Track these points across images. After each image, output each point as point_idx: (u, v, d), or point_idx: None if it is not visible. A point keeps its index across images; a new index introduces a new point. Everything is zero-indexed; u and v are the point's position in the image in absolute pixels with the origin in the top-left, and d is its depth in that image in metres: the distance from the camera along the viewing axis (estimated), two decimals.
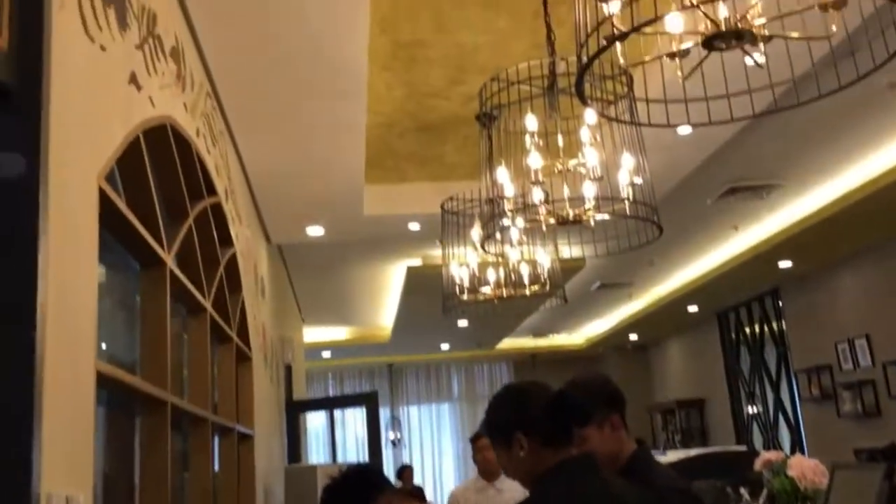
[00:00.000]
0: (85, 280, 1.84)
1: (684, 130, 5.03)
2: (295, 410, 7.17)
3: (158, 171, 2.80)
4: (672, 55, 2.13)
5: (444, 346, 13.49)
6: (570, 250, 4.28)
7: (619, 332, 13.14)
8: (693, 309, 11.28)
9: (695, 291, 10.03)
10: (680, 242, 8.44)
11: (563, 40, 3.64)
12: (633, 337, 13.71)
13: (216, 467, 3.96)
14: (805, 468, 3.81)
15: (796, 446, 9.94)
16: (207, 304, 3.47)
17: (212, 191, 3.66)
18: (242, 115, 4.15)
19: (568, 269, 8.16)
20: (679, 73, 2.22)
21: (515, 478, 2.03)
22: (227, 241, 4.05)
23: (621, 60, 2.19)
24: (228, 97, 3.94)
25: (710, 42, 2.01)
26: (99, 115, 1.99)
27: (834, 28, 1.98)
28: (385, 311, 10.57)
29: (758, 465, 4.07)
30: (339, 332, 11.92)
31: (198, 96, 3.43)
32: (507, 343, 13.64)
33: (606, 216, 3.50)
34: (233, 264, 4.21)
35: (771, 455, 4.03)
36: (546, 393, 2.00)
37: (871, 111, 5.36)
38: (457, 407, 15.05)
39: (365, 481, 2.72)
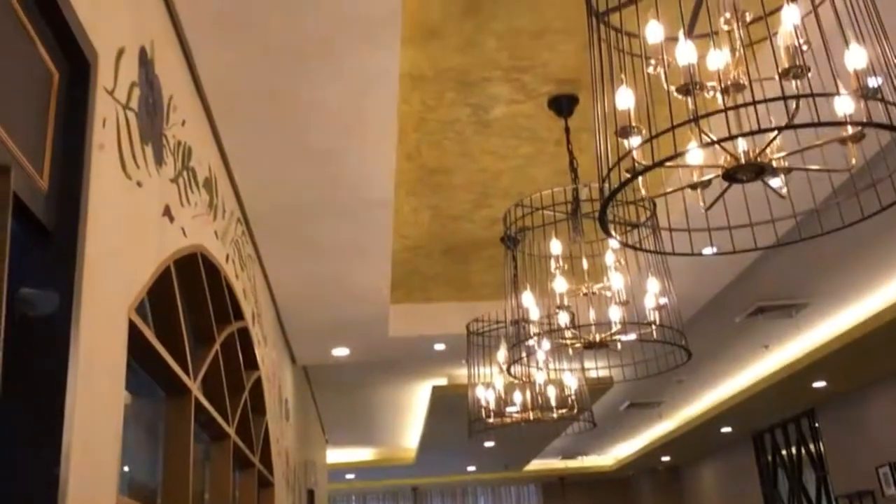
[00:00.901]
0: (111, 414, 1.84)
1: (709, 251, 5.04)
2: None
3: (188, 299, 2.83)
4: (693, 186, 2.16)
5: (471, 468, 13.18)
6: (597, 372, 4.22)
7: (650, 454, 12.78)
8: (726, 430, 10.99)
9: (727, 412, 9.80)
10: (709, 362, 8.32)
11: (585, 166, 3.72)
12: (665, 458, 13.31)
13: None
14: None
15: None
16: (231, 431, 3.44)
17: (239, 315, 3.69)
18: (271, 239, 4.23)
19: (596, 388, 8.04)
20: (701, 203, 2.24)
21: None
22: (252, 364, 4.05)
23: (643, 192, 2.23)
24: (257, 222, 4.03)
25: (731, 175, 2.04)
26: (132, 249, 2.04)
27: (853, 160, 2.00)
28: (410, 431, 10.41)
29: None
30: (362, 454, 11.72)
31: (228, 223, 3.52)
32: (536, 464, 13.30)
33: (632, 339, 3.47)
34: (257, 388, 4.20)
35: None
36: None
37: (895, 230, 5.36)
38: None
39: None
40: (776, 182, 2.24)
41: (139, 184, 2.09)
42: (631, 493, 15.16)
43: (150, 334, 2.18)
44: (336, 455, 11.12)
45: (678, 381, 9.06)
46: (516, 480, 14.65)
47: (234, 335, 3.61)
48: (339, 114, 3.21)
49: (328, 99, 3.11)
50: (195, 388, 2.70)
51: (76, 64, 1.72)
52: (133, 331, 2.03)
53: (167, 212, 2.37)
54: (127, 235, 2.00)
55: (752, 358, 8.31)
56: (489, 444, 10.61)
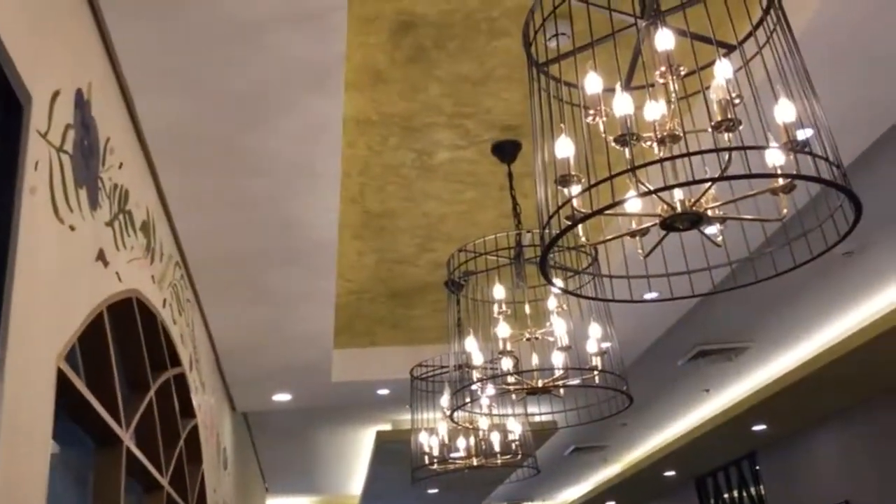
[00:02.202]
0: (36, 466, 1.76)
1: (650, 296, 5.11)
2: None
3: (121, 345, 2.76)
4: (632, 234, 2.19)
5: None
6: (541, 417, 4.21)
7: (596, 498, 12.76)
8: (670, 473, 11.04)
9: (671, 455, 9.86)
10: (653, 405, 8.38)
11: (528, 212, 3.76)
12: (611, 503, 13.30)
13: None
14: None
15: None
16: (164, 481, 3.34)
17: (176, 361, 3.61)
18: (211, 283, 4.16)
19: (541, 433, 8.03)
20: (639, 251, 2.28)
21: None
22: (189, 411, 3.95)
23: (583, 239, 2.25)
24: (197, 266, 3.96)
25: (668, 223, 2.07)
26: (63, 294, 1.98)
27: (784, 210, 2.06)
28: (353, 478, 10.24)
29: None
30: (304, 502, 11.46)
31: (166, 267, 3.45)
32: None
33: (575, 385, 3.48)
34: (194, 436, 4.09)
35: None
36: None
37: (831, 278, 5.51)
38: None
39: None
40: (712, 230, 2.28)
41: (72, 227, 2.04)
42: None
43: (79, 383, 2.11)
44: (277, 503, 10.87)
45: (622, 425, 9.10)
46: None
47: (170, 382, 3.52)
48: (282, 159, 3.19)
49: (271, 144, 3.09)
50: (127, 437, 2.61)
51: (8, 107, 1.68)
52: (62, 379, 1.96)
53: (101, 256, 2.31)
54: (58, 281, 1.94)
55: (694, 401, 8.40)
56: (433, 490, 10.46)
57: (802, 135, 1.88)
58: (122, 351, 2.81)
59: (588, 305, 3.55)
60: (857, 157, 3.61)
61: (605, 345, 3.53)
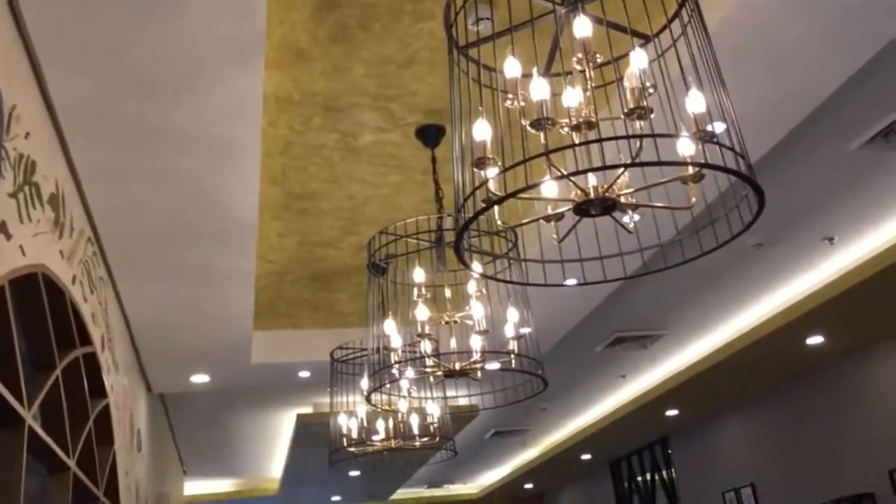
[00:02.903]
0: None
1: (569, 282, 5.20)
2: None
3: (25, 322, 2.67)
4: (547, 218, 2.22)
5: (336, 498, 12.94)
6: (458, 400, 4.25)
7: (515, 481, 12.95)
8: (586, 457, 11.28)
9: (587, 439, 10.07)
10: (571, 390, 8.54)
11: (451, 196, 3.76)
12: (529, 486, 13.52)
13: None
14: None
15: None
16: (71, 463, 3.25)
17: (85, 340, 3.51)
18: (125, 261, 4.05)
19: (461, 417, 8.10)
20: (554, 236, 2.31)
21: None
22: (99, 391, 3.85)
23: (499, 223, 2.27)
24: (111, 243, 3.85)
25: (582, 209, 2.11)
26: None
27: (693, 199, 2.12)
28: (274, 461, 10.14)
29: None
30: (224, 485, 11.31)
31: (77, 243, 3.34)
32: (401, 494, 13.21)
33: (492, 368, 3.52)
34: (105, 417, 3.99)
35: None
36: None
37: (742, 267, 5.69)
38: None
39: None
40: (626, 219, 2.34)
41: None
42: None
43: None
44: (195, 487, 10.70)
45: (542, 409, 9.25)
46: None
47: (79, 361, 3.42)
48: (200, 136, 3.12)
49: (189, 120, 3.02)
50: (29, 416, 2.53)
51: None
52: None
53: (3, 228, 2.23)
54: None
55: (610, 387, 8.59)
56: (354, 473, 10.46)
57: (715, 129, 1.94)
58: (26, 327, 2.72)
59: (507, 290, 3.59)
60: (766, 154, 3.73)
61: (525, 330, 3.58)
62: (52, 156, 2.93)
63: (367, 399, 3.90)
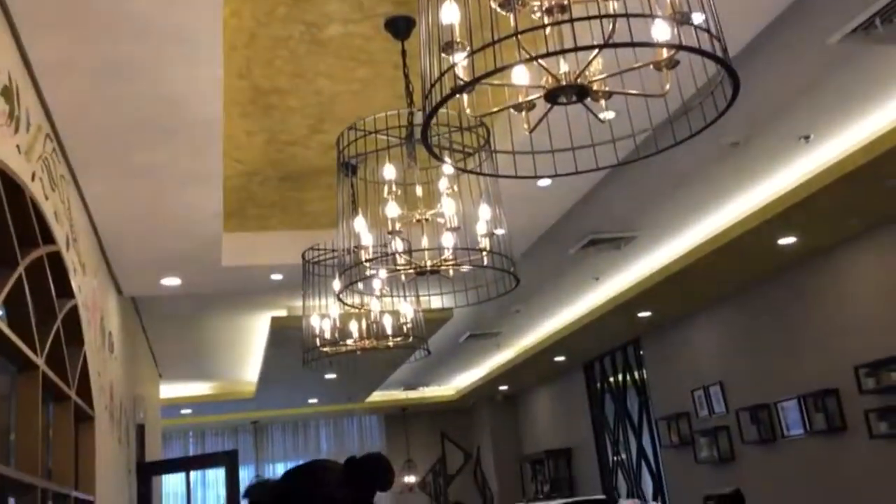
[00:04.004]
0: None
1: (543, 183, 5.16)
2: (147, 473, 6.76)
3: None
4: (517, 107, 2.16)
5: (312, 401, 13.16)
6: (430, 301, 4.24)
7: (489, 384, 13.22)
8: (560, 359, 11.49)
9: (561, 341, 10.22)
10: (545, 292, 8.61)
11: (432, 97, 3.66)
12: (503, 387, 13.81)
13: None
14: None
15: (658, 493, 10.19)
16: (40, 361, 3.22)
17: (49, 239, 3.43)
18: (87, 159, 3.93)
19: (435, 319, 8.16)
20: (525, 126, 2.24)
21: None
22: (66, 292, 3.80)
23: (468, 111, 2.20)
24: (72, 140, 3.73)
25: (553, 96, 2.04)
26: None
27: (668, 86, 2.05)
28: (249, 364, 10.23)
29: None
30: (200, 388, 11.43)
31: (34, 139, 3.23)
32: (378, 396, 13.47)
33: (463, 267, 3.50)
34: (73, 317, 3.95)
35: (628, 503, 4.09)
36: (332, 465, 1.84)
37: (717, 167, 5.66)
38: None
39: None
40: (604, 115, 2.27)
41: None
42: (471, 421, 15.68)
43: None
44: (172, 390, 10.80)
45: (515, 312, 9.35)
46: (358, 412, 14.80)
47: (43, 260, 3.35)
48: (156, 24, 2.97)
49: (144, 6, 2.87)
50: None
51: None
52: None
53: None
54: None
55: (584, 289, 8.67)
56: (330, 376, 10.60)
57: (693, 19, 1.86)
58: None
59: (479, 188, 3.53)
60: (742, 50, 3.64)
61: (499, 231, 3.54)
62: (3, 46, 2.79)
63: (338, 298, 3.87)
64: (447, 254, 3.48)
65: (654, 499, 9.87)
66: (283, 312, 7.88)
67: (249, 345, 9.30)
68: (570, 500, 4.96)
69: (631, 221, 6.71)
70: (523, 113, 2.22)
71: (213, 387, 11.57)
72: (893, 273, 6.36)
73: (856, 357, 6.63)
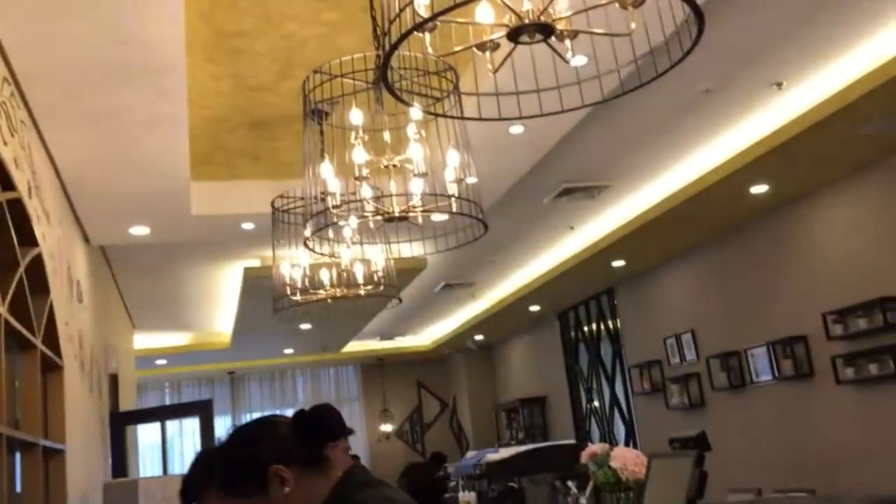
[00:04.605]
0: None
1: (515, 130, 5.11)
2: (120, 423, 6.76)
3: None
4: (480, 47, 2.11)
5: (288, 351, 13.19)
6: (400, 249, 4.22)
7: (465, 333, 13.29)
8: (535, 308, 11.55)
9: (536, 291, 10.27)
10: (519, 242, 8.62)
11: (392, 36, 3.59)
12: (479, 337, 13.90)
13: (18, 486, 3.65)
14: (627, 459, 3.92)
15: (630, 438, 10.37)
16: (2, 309, 3.18)
17: (9, 185, 3.36)
18: (48, 104, 3.83)
19: (409, 269, 8.16)
20: (489, 66, 2.20)
21: None
22: (29, 240, 3.73)
23: (429, 50, 2.15)
24: (31, 84, 3.63)
25: (515, 35, 2.00)
26: None
27: (633, 25, 2.01)
28: (224, 315, 10.20)
29: (583, 457, 4.15)
30: (174, 339, 11.40)
31: None
32: (354, 346, 13.51)
33: (432, 214, 3.47)
34: (37, 266, 3.89)
35: (596, 448, 4.13)
36: (279, 419, 1.83)
37: (690, 115, 5.64)
38: None
39: (207, 468, 2.50)
40: (577, 61, 2.23)
41: None
42: (447, 370, 15.81)
43: None
44: (146, 340, 10.76)
45: (490, 262, 9.36)
46: (335, 362, 14.87)
47: (3, 207, 3.28)
48: None
49: None
50: None
51: None
52: None
53: None
54: None
55: (558, 239, 8.68)
56: (305, 326, 10.61)
57: None
58: None
59: (447, 134, 3.49)
60: None
61: (471, 180, 3.51)
62: None
63: (306, 244, 3.84)
64: (415, 200, 3.45)
65: (626, 444, 10.03)
66: (256, 263, 7.84)
67: (223, 295, 9.26)
68: (539, 445, 5.03)
69: (604, 170, 6.69)
70: (487, 53, 2.17)
71: (188, 337, 11.55)
72: (863, 221, 6.41)
73: (824, 304, 6.72)
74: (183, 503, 2.32)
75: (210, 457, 2.43)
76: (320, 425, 1.81)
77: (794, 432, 7.26)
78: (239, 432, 1.87)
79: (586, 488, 4.44)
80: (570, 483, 4.48)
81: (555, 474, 4.53)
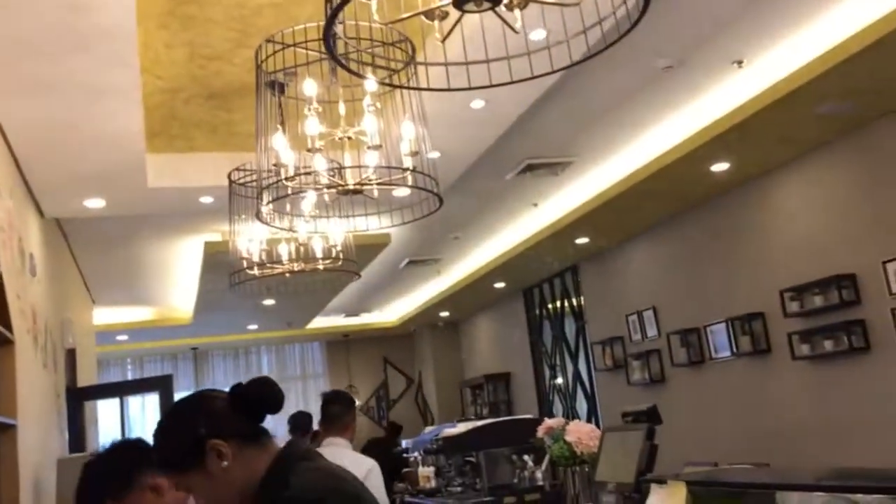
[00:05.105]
0: None
1: (476, 105, 5.08)
2: (77, 398, 6.67)
3: None
4: (428, 15, 2.08)
5: (252, 327, 13.11)
6: (355, 222, 4.19)
7: (431, 310, 13.31)
8: (500, 285, 11.58)
9: (501, 268, 10.29)
10: (483, 218, 8.62)
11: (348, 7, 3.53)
12: (444, 314, 13.93)
13: None
14: (582, 433, 3.96)
15: (592, 414, 10.47)
16: None
17: None
18: None
19: (372, 244, 8.13)
20: (437, 35, 2.17)
21: (227, 499, 1.73)
22: None
23: (375, 17, 2.12)
24: None
25: (461, 3, 1.97)
26: None
27: None
28: (186, 290, 10.10)
29: (540, 431, 4.19)
30: (136, 314, 11.27)
31: None
32: (319, 322, 13.47)
33: (386, 184, 3.44)
34: None
35: (552, 422, 4.16)
36: (217, 393, 1.82)
37: (651, 92, 5.64)
38: None
39: (130, 456, 2.48)
40: (524, 29, 2.20)
41: None
42: (413, 347, 15.83)
43: None
44: (107, 316, 10.63)
45: (454, 238, 9.35)
46: (300, 338, 14.81)
47: None
48: None
49: None
50: None
51: None
52: None
53: None
54: None
55: (522, 215, 8.68)
56: (269, 302, 10.55)
57: None
58: None
59: (403, 107, 3.45)
60: None
61: (432, 155, 3.48)
62: None
63: (258, 217, 3.79)
64: (370, 173, 3.42)
65: (588, 420, 10.13)
66: (217, 237, 7.75)
67: (185, 270, 9.15)
68: (496, 419, 5.06)
69: (567, 147, 6.69)
70: (436, 23, 2.14)
71: (150, 313, 11.42)
72: (821, 200, 6.49)
73: (782, 281, 6.80)
74: None
75: (96, 466, 2.42)
76: (258, 399, 1.80)
77: (751, 408, 7.37)
78: (176, 407, 1.86)
79: (542, 462, 4.49)
80: (526, 457, 4.52)
81: (511, 448, 4.56)
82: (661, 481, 2.46)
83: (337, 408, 4.14)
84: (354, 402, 4.33)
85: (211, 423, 1.73)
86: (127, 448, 2.54)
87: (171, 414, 1.85)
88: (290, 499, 1.65)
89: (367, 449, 7.88)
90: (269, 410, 1.81)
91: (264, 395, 1.80)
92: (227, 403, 1.78)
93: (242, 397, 1.79)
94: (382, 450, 9.40)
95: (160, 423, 1.83)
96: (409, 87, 2.96)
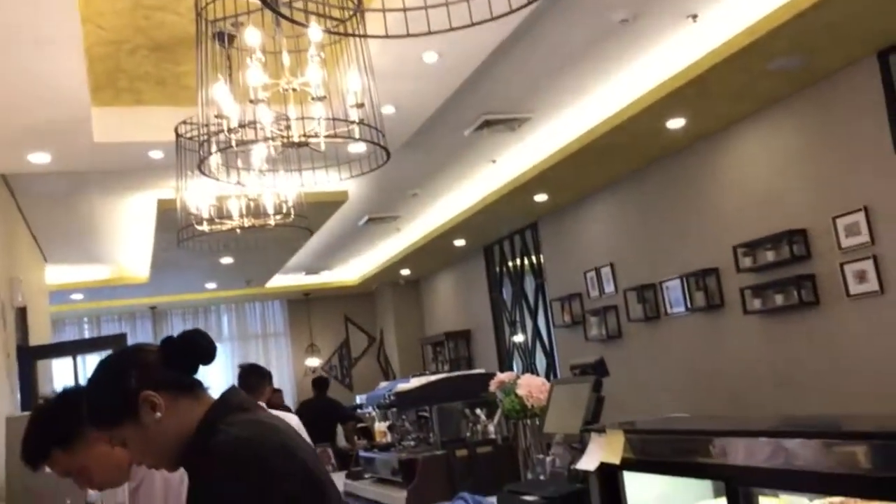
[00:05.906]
0: None
1: (430, 59, 5.01)
2: (28, 357, 6.57)
3: None
4: None
5: (210, 286, 12.98)
6: (303, 177, 4.13)
7: (392, 268, 13.27)
8: (460, 243, 11.57)
9: (461, 225, 10.25)
10: (442, 175, 8.56)
11: None
12: (405, 272, 13.91)
13: None
14: (532, 387, 3.99)
15: (550, 370, 10.58)
16: None
17: None
18: None
19: (330, 202, 8.06)
20: None
21: (162, 451, 1.73)
22: None
23: None
24: None
25: None
26: None
27: None
28: (141, 248, 9.94)
29: (492, 386, 4.21)
30: (91, 272, 11.09)
31: None
32: (279, 281, 13.38)
33: (333, 140, 3.39)
34: None
35: (503, 376, 4.18)
36: (148, 347, 1.81)
37: (607, 46, 5.60)
38: (228, 346, 14.61)
39: (79, 403, 2.44)
40: None
41: None
42: (374, 305, 15.82)
43: None
44: (61, 275, 10.45)
45: (413, 195, 9.30)
46: (260, 297, 14.71)
47: None
48: None
49: None
50: None
51: None
52: None
53: None
54: None
55: (481, 172, 8.64)
56: (226, 260, 10.44)
57: None
58: None
59: (352, 59, 3.39)
60: None
61: (389, 110, 3.43)
62: None
63: (200, 169, 3.72)
64: (315, 125, 3.36)
65: (546, 376, 10.24)
66: (170, 194, 7.61)
67: (140, 228, 9.01)
68: (449, 374, 5.08)
69: (524, 102, 6.64)
70: None
71: (105, 271, 11.24)
72: (772, 156, 6.54)
73: (735, 237, 6.87)
74: (30, 467, 2.27)
75: (43, 412, 2.38)
76: (190, 350, 1.78)
77: (705, 361, 7.49)
78: (107, 361, 1.83)
79: (495, 416, 4.52)
80: (478, 411, 4.55)
81: (464, 403, 4.58)
82: (601, 430, 2.48)
83: (254, 378, 4.82)
84: (270, 375, 5.09)
85: (142, 375, 1.73)
86: (77, 395, 2.49)
87: (102, 368, 1.81)
88: (224, 443, 1.64)
89: (299, 412, 7.92)
90: (200, 361, 1.79)
91: (195, 346, 1.78)
92: (158, 356, 1.77)
93: (173, 348, 1.77)
94: (310, 407, 9.60)
95: (91, 379, 1.80)
96: (353, 35, 2.89)
